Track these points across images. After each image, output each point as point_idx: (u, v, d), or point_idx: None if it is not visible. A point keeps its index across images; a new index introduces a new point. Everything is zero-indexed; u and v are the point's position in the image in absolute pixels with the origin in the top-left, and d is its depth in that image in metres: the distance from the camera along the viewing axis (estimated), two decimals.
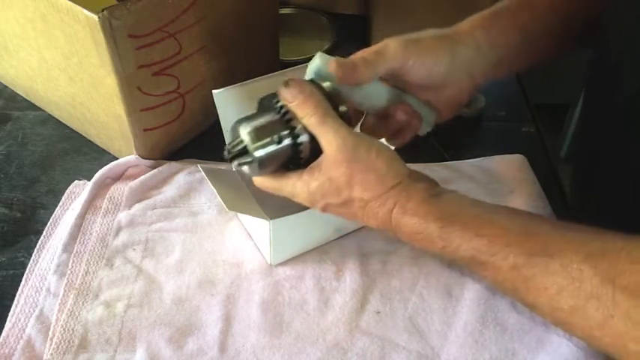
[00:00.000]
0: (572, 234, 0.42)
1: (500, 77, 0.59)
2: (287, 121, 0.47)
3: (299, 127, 0.47)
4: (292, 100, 0.47)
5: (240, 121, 0.48)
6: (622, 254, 0.38)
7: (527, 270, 0.41)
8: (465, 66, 0.54)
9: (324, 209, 0.49)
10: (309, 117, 0.46)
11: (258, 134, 0.47)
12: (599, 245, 0.40)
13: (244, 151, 0.47)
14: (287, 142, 0.47)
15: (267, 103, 0.49)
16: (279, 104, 0.48)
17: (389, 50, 0.50)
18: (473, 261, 0.44)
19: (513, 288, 0.43)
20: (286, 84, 0.47)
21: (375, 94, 0.53)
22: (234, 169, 0.49)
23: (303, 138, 0.47)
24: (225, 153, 0.48)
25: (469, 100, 0.58)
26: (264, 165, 0.47)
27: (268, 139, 0.47)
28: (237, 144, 0.47)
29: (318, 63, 0.49)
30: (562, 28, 0.58)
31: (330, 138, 0.46)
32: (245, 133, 0.47)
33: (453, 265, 0.54)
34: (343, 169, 0.46)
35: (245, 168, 0.48)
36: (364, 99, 0.53)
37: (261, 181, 0.51)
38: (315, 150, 0.47)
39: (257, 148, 0.47)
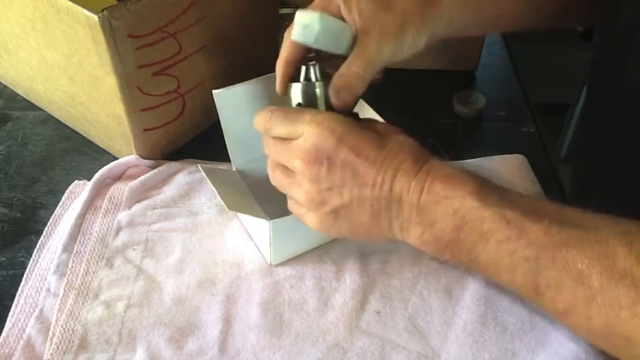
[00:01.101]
0: (604, 216, 0.41)
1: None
2: None
3: None
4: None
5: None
6: None
7: (560, 238, 0.39)
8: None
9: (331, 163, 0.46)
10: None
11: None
12: (634, 226, 0.39)
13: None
14: None
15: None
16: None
17: (378, 55, 0.49)
18: (497, 216, 0.41)
19: (535, 258, 0.40)
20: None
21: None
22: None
23: None
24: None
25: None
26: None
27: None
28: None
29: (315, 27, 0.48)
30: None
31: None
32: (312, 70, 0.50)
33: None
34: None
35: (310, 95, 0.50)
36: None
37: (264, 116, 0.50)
38: None
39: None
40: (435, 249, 0.46)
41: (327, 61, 0.51)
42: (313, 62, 0.51)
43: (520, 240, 0.41)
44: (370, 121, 0.50)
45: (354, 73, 0.48)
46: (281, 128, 0.48)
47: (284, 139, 0.48)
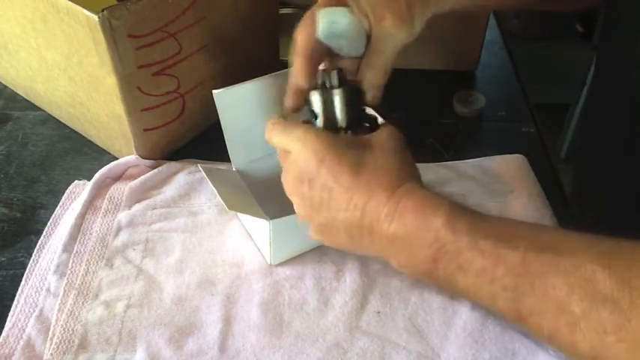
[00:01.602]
0: (580, 236, 0.40)
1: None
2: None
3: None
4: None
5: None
6: (636, 255, 0.36)
7: (537, 266, 0.39)
8: None
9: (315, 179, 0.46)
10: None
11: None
12: (610, 246, 0.38)
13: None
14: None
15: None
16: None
17: (394, 43, 0.50)
18: (473, 247, 0.41)
19: (514, 287, 0.40)
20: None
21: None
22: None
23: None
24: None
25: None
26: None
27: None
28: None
29: (325, 23, 0.49)
30: None
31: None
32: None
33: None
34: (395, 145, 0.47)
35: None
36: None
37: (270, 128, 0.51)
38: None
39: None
40: (413, 275, 0.47)
41: (339, 61, 0.52)
42: (332, 69, 0.51)
43: (497, 269, 0.40)
44: (360, 136, 0.50)
45: (375, 72, 0.50)
46: (278, 140, 0.50)
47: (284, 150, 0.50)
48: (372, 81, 0.51)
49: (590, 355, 0.38)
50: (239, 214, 0.60)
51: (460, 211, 0.43)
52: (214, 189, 0.54)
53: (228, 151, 0.61)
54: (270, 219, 0.52)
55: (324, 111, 0.50)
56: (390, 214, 0.44)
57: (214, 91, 0.56)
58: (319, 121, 0.50)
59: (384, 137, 0.49)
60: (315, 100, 0.51)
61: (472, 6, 0.58)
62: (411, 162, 0.48)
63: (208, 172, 0.56)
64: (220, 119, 0.58)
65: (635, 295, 0.35)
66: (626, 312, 0.35)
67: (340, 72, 0.51)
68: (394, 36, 0.49)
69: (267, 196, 0.61)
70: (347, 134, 0.50)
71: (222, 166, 0.63)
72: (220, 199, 0.53)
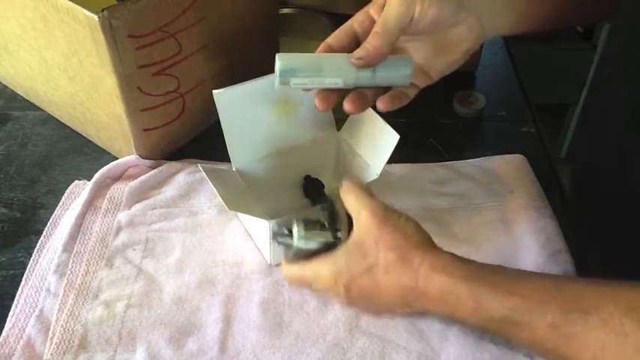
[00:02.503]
0: (604, 287, 0.41)
1: (510, 33, 0.57)
2: (334, 228, 0.51)
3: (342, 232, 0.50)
4: (346, 189, 0.50)
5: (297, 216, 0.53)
6: None
7: (567, 328, 0.41)
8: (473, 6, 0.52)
9: (347, 287, 0.48)
10: (351, 195, 0.50)
11: (306, 229, 0.51)
12: (636, 296, 0.39)
13: (289, 235, 0.51)
14: (328, 240, 0.51)
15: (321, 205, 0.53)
16: (327, 210, 0.52)
17: (393, 10, 0.49)
18: (506, 322, 0.43)
19: (554, 347, 0.42)
20: (347, 178, 0.52)
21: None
22: (273, 241, 0.53)
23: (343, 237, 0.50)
24: (272, 230, 0.53)
25: (476, 50, 0.56)
26: (299, 254, 0.51)
27: (312, 238, 0.51)
28: (285, 231, 0.52)
29: (279, 65, 0.50)
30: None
31: (366, 209, 0.48)
32: (295, 225, 0.51)
33: (485, 331, 0.49)
34: (374, 231, 0.47)
35: (283, 247, 0.52)
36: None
37: (287, 270, 0.52)
38: None
39: (300, 239, 0.50)
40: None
41: None
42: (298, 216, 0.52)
43: (534, 337, 0.42)
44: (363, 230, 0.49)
45: (369, 38, 0.49)
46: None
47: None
48: (371, 42, 0.49)
49: None
50: (239, 214, 0.60)
51: (480, 286, 0.44)
52: (214, 189, 0.54)
53: (228, 151, 0.61)
54: (270, 219, 0.52)
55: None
56: (424, 302, 0.47)
57: (214, 91, 0.56)
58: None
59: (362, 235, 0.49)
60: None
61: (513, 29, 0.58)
62: (407, 228, 0.48)
63: (208, 172, 0.56)
64: (220, 119, 0.58)
65: None
66: None
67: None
68: (396, 14, 0.49)
69: (266, 195, 0.61)
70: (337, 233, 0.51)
71: (223, 166, 0.63)
72: (220, 199, 0.53)
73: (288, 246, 0.52)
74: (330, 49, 0.52)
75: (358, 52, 0.49)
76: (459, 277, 0.45)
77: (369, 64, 0.50)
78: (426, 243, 0.48)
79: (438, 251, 0.47)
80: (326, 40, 0.52)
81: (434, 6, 0.49)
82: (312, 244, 0.51)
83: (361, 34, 0.52)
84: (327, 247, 0.50)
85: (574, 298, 0.41)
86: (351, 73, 0.50)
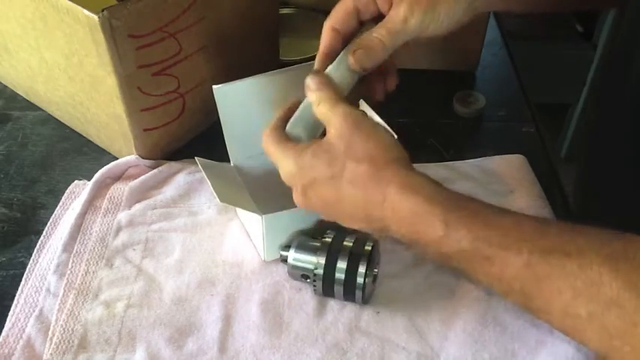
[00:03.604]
0: (589, 234, 0.39)
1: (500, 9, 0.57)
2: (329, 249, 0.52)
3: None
4: (314, 88, 0.48)
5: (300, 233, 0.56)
6: None
7: (542, 269, 0.38)
8: None
9: (305, 190, 0.46)
10: (323, 103, 0.47)
11: (301, 252, 0.53)
12: (620, 246, 0.37)
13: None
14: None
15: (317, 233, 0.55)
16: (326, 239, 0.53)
17: (404, 26, 0.49)
18: (476, 254, 0.40)
19: (521, 289, 0.39)
20: (316, 72, 0.50)
21: None
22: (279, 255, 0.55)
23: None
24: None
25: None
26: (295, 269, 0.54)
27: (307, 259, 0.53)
28: (286, 246, 0.54)
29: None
30: None
31: (337, 115, 0.45)
32: (293, 247, 0.54)
33: (445, 262, 0.45)
34: (345, 136, 0.44)
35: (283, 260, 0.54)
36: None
37: (265, 137, 0.50)
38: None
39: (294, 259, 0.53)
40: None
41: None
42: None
43: (503, 274, 0.40)
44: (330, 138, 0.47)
45: (375, 38, 0.49)
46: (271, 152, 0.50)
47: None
48: (367, 46, 0.49)
49: (600, 353, 0.38)
50: (238, 212, 0.61)
51: (456, 211, 0.41)
52: (208, 181, 0.54)
53: (227, 147, 0.61)
54: (263, 214, 0.53)
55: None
56: (388, 221, 0.44)
57: (214, 87, 0.57)
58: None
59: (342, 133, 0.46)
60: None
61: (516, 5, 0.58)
62: (382, 139, 0.45)
63: (205, 166, 0.56)
64: (220, 115, 0.58)
65: None
66: (632, 316, 0.35)
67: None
68: (403, 22, 0.49)
69: (263, 192, 0.61)
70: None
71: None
72: (212, 190, 0.53)
73: (285, 261, 0.54)
74: (337, 35, 0.52)
75: (364, 61, 0.49)
76: (432, 199, 0.42)
77: (367, 70, 0.50)
78: (402, 161, 0.44)
79: (414, 171, 0.44)
80: (330, 24, 0.52)
81: (445, 21, 0.50)
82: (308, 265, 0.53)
83: (366, 16, 0.51)
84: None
85: (556, 241, 0.39)
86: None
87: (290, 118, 0.51)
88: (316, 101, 0.48)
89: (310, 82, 0.49)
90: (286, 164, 0.47)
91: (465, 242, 0.40)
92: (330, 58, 0.52)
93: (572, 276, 0.37)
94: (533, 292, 0.39)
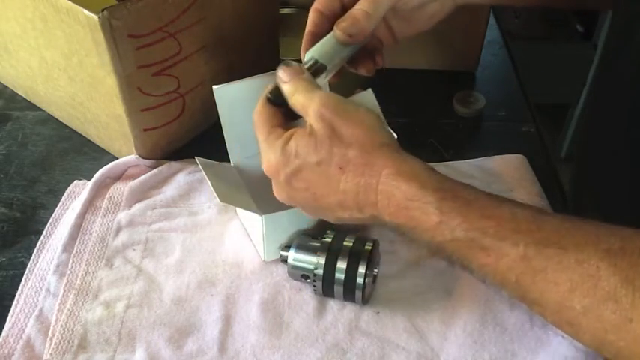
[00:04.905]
0: (586, 228, 0.38)
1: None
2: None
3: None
4: (286, 79, 0.47)
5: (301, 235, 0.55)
6: None
7: (538, 262, 0.37)
8: None
9: (292, 177, 0.44)
10: (298, 93, 0.46)
11: (301, 252, 0.53)
12: (617, 242, 0.36)
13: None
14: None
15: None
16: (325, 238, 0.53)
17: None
18: (472, 244, 0.39)
19: (516, 281, 0.39)
20: (286, 63, 0.48)
21: None
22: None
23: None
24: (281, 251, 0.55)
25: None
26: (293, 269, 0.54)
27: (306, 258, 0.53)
28: (286, 246, 0.54)
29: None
30: None
31: (315, 99, 0.44)
32: (293, 247, 0.54)
33: (438, 250, 0.44)
34: (328, 121, 0.42)
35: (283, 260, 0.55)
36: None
37: (256, 116, 0.49)
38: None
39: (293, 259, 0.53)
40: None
41: None
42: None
43: (498, 265, 0.39)
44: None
45: (358, 10, 0.50)
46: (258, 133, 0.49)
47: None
48: (354, 17, 0.50)
49: (594, 347, 0.38)
50: (238, 212, 0.61)
51: (451, 199, 0.40)
52: (208, 180, 0.54)
53: (227, 147, 0.61)
54: (263, 214, 0.53)
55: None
56: (381, 208, 0.42)
57: (214, 87, 0.57)
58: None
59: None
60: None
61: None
62: (368, 122, 0.44)
63: (205, 166, 0.56)
64: (220, 115, 0.58)
65: (638, 295, 0.34)
66: (628, 311, 0.35)
67: None
68: None
69: (263, 192, 0.60)
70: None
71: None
72: (212, 189, 0.53)
73: (284, 261, 0.54)
74: (321, 15, 0.53)
75: (350, 29, 0.50)
76: (426, 186, 0.40)
77: (356, 42, 0.51)
78: (392, 145, 0.43)
79: (406, 155, 0.43)
80: (314, 7, 0.53)
81: None
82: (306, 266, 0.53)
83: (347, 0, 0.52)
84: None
85: (553, 233, 0.38)
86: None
87: (277, 91, 0.49)
88: (291, 92, 0.46)
89: (282, 73, 0.47)
90: (272, 152, 0.46)
91: (459, 231, 0.39)
92: (316, 37, 0.52)
93: (569, 269, 0.36)
94: (528, 285, 0.38)
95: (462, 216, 0.40)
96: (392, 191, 0.41)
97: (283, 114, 0.48)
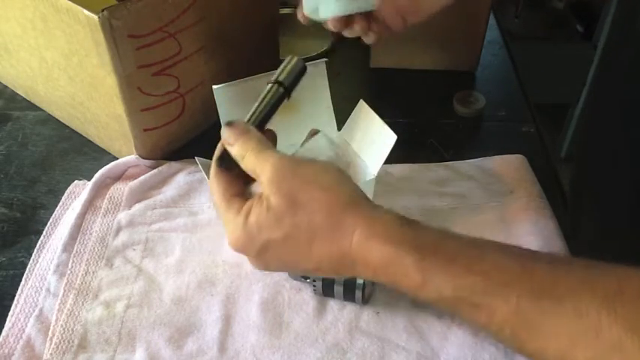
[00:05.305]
0: (580, 270, 0.36)
1: None
2: None
3: None
4: (233, 142, 0.43)
5: None
6: None
7: (534, 316, 0.35)
8: None
9: (261, 253, 0.41)
10: (248, 156, 0.42)
11: None
12: (614, 283, 0.34)
13: None
14: None
15: None
16: None
17: None
18: (461, 302, 0.37)
19: (512, 334, 0.36)
20: (228, 124, 0.44)
21: None
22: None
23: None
24: None
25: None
26: None
27: None
28: None
29: None
30: None
31: (267, 165, 0.40)
32: None
33: (430, 307, 0.43)
34: (283, 190, 0.39)
35: None
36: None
37: (211, 181, 0.44)
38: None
39: None
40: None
41: None
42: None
43: (491, 320, 0.37)
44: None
45: None
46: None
47: None
48: None
49: None
50: None
51: (431, 256, 0.37)
52: (207, 180, 0.54)
53: None
54: None
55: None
56: (360, 269, 0.39)
57: (214, 87, 0.57)
58: None
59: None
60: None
61: None
62: (327, 179, 0.40)
63: (205, 166, 0.56)
64: (220, 115, 0.58)
65: None
66: (634, 359, 0.33)
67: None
68: None
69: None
70: None
71: None
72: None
73: None
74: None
75: None
76: (403, 245, 0.37)
77: None
78: (357, 199, 0.39)
79: (375, 210, 0.39)
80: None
81: None
82: None
83: None
84: None
85: (545, 282, 0.36)
86: None
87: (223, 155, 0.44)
88: (240, 155, 0.42)
89: (227, 134, 0.43)
90: (234, 229, 0.41)
91: (445, 290, 0.37)
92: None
93: (568, 322, 0.34)
94: (525, 338, 0.36)
95: (445, 273, 0.37)
96: (366, 256, 0.38)
97: (239, 177, 0.44)
